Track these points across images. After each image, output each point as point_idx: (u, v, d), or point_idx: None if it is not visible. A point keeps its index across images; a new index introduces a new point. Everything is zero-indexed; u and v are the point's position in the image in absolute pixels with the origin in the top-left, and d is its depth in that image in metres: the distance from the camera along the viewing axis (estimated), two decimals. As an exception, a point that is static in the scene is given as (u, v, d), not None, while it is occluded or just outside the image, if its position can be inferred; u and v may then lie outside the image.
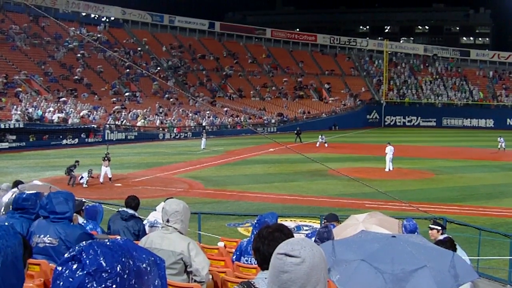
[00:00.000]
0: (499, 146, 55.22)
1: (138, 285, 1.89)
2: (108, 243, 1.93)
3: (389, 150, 42.15)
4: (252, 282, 3.44)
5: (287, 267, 2.48)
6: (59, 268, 1.89)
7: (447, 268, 3.88)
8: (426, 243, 4.29)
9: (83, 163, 37.37)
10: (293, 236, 3.58)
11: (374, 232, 4.30)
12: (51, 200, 6.71)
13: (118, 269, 1.84)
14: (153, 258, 2.02)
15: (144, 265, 1.94)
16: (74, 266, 1.86)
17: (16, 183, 11.49)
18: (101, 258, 1.85)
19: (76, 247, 1.92)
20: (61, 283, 1.86)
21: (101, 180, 35.35)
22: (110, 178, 35.73)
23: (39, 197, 7.27)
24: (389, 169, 41.84)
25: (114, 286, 1.82)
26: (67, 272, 1.87)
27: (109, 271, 1.83)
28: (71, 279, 1.85)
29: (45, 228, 6.61)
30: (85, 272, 1.83)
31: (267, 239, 3.70)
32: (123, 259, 1.87)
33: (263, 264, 3.62)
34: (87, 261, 1.84)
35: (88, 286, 1.82)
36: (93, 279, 1.82)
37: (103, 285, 1.81)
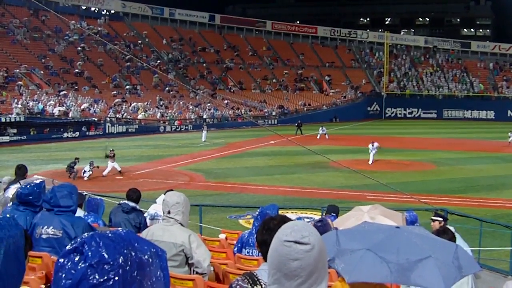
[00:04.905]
0: (509, 140, 54.58)
1: (141, 277, 1.88)
2: (110, 235, 1.91)
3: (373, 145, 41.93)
4: (255, 274, 3.45)
5: (298, 254, 2.46)
6: (61, 260, 1.88)
7: (451, 260, 3.88)
8: (429, 235, 4.29)
9: (84, 156, 37.46)
10: None
11: (377, 223, 4.30)
12: (55, 194, 6.72)
13: (121, 261, 1.83)
14: (154, 250, 2.00)
15: (146, 257, 1.92)
16: (76, 258, 1.85)
17: (19, 167, 11.54)
18: (103, 250, 1.83)
19: (78, 239, 1.91)
20: (63, 275, 1.85)
21: (104, 173, 35.30)
22: (120, 171, 35.79)
23: (42, 188, 7.27)
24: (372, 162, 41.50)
25: (116, 278, 1.81)
26: (69, 264, 1.85)
27: (111, 263, 1.82)
28: (73, 271, 1.83)
29: (48, 220, 6.63)
30: (87, 264, 1.81)
31: (275, 231, 3.71)
32: (125, 251, 1.86)
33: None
34: (89, 253, 1.83)
35: (91, 278, 1.81)
36: (95, 271, 1.81)
37: (106, 277, 1.80)
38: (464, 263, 3.91)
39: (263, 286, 3.35)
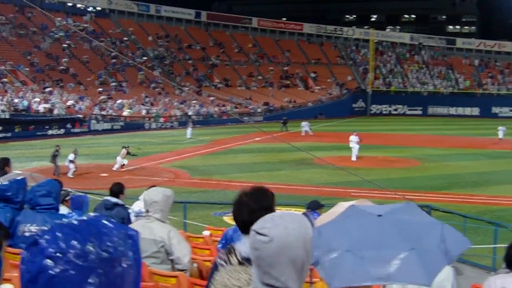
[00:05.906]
0: (500, 136, 54.48)
1: (105, 263, 1.86)
2: (74, 223, 1.90)
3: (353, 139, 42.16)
4: (232, 245, 3.69)
5: (257, 244, 2.44)
6: (24, 253, 1.88)
7: (437, 244, 3.83)
8: (414, 217, 4.18)
9: (69, 154, 37.26)
10: (264, 197, 4.18)
11: (362, 209, 4.22)
12: (34, 194, 6.72)
13: (79, 250, 1.81)
14: (124, 231, 1.99)
15: (112, 244, 1.90)
16: (35, 251, 1.84)
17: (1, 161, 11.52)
18: (61, 241, 1.81)
19: (39, 232, 1.90)
20: (25, 268, 1.84)
21: (122, 170, 35.97)
22: (115, 169, 36.05)
23: (22, 185, 7.23)
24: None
25: (75, 267, 1.78)
26: (28, 256, 1.85)
27: (68, 253, 1.80)
28: (32, 264, 1.83)
29: (32, 217, 6.64)
30: (43, 256, 1.80)
31: (236, 206, 3.97)
32: (87, 239, 1.84)
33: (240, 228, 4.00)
34: (46, 245, 1.82)
35: (49, 269, 1.80)
36: (52, 262, 1.79)
37: (63, 267, 1.79)
38: (452, 245, 3.86)
39: (238, 255, 3.51)
